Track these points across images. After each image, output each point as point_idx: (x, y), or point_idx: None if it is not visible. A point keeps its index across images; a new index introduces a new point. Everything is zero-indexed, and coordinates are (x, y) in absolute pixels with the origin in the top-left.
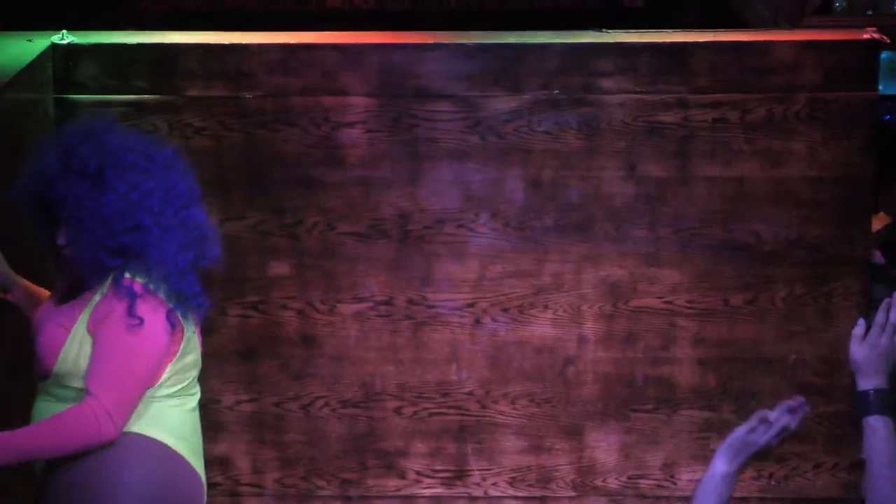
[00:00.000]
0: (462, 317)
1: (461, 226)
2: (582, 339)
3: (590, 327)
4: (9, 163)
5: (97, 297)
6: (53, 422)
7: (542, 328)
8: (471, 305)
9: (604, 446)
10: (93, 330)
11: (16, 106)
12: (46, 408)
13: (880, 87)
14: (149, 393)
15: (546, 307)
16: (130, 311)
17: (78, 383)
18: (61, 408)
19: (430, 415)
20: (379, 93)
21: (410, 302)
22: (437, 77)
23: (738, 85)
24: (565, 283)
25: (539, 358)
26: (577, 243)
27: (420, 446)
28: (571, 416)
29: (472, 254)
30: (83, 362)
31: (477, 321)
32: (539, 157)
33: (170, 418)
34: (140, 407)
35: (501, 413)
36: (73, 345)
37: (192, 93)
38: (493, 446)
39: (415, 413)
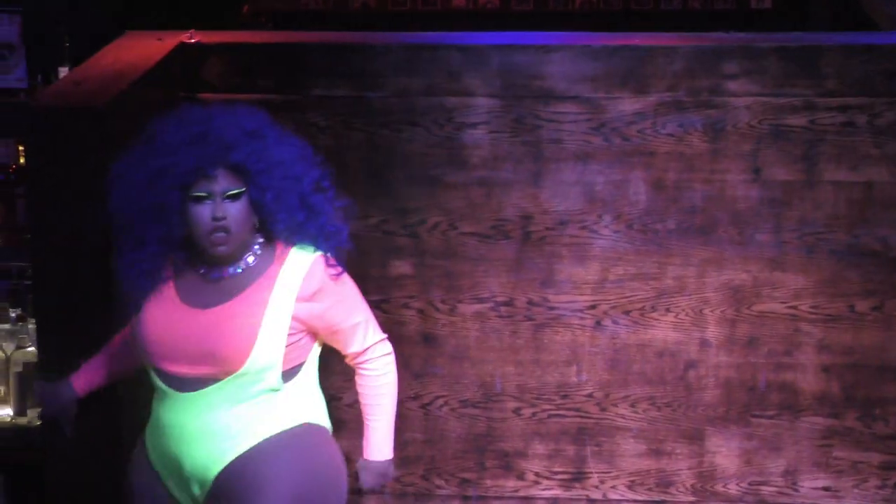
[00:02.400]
0: (583, 318)
1: (584, 227)
2: (704, 343)
3: (712, 331)
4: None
5: (283, 275)
6: (388, 387)
7: (663, 331)
8: (592, 307)
9: (724, 451)
10: (308, 308)
11: (144, 103)
12: (211, 417)
13: None
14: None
15: (668, 310)
16: (333, 265)
17: (272, 377)
18: (237, 411)
19: (550, 416)
20: (502, 93)
21: (531, 303)
22: (561, 78)
23: (868, 88)
24: (687, 287)
25: (660, 361)
26: (699, 246)
27: (539, 448)
28: (692, 421)
29: (595, 256)
30: (279, 354)
31: (598, 323)
32: (663, 160)
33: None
34: (314, 393)
35: (621, 416)
36: (268, 335)
37: (317, 92)
38: (613, 449)
39: (534, 414)
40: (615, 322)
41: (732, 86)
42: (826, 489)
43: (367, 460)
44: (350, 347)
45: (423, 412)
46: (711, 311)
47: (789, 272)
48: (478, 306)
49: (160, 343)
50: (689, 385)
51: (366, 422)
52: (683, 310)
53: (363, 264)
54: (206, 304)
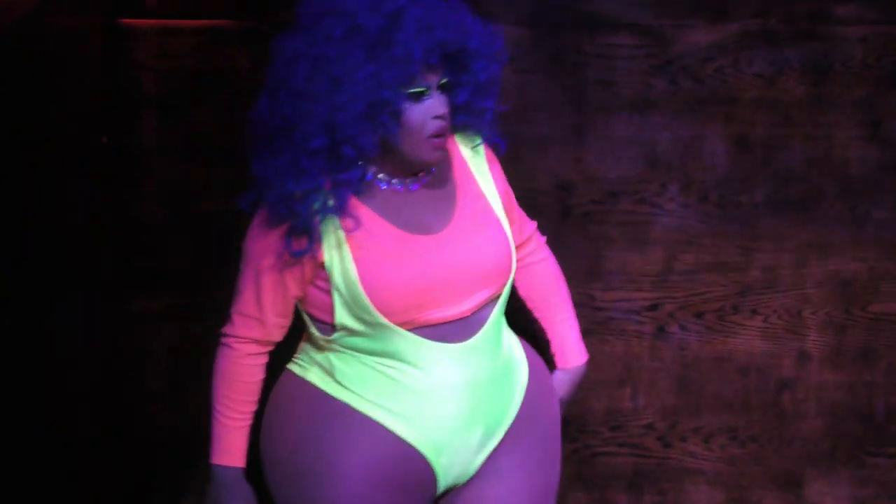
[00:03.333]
0: (640, 323)
1: (642, 200)
2: (803, 356)
3: (814, 340)
4: (45, 105)
5: (472, 165)
6: (560, 272)
7: (748, 340)
8: (653, 308)
9: (830, 501)
10: (503, 193)
11: (50, 36)
12: (495, 353)
13: None
14: None
15: (755, 312)
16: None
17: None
18: (505, 334)
19: (595, 455)
20: (532, 21)
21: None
22: (614, 1)
23: None
24: (781, 281)
25: (744, 380)
26: (798, 226)
27: (581, 497)
28: (787, 460)
29: (657, 238)
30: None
31: (660, 329)
32: (749, 110)
33: None
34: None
35: (691, 454)
36: (507, 230)
37: (285, 17)
38: (681, 499)
39: (574, 452)
40: (684, 328)
41: (841, 10)
42: None
43: (566, 369)
44: (522, 233)
45: None
46: (813, 314)
47: None
48: None
49: (413, 292)
50: (783, 412)
51: (552, 325)
52: (776, 311)
53: None
54: (431, 223)
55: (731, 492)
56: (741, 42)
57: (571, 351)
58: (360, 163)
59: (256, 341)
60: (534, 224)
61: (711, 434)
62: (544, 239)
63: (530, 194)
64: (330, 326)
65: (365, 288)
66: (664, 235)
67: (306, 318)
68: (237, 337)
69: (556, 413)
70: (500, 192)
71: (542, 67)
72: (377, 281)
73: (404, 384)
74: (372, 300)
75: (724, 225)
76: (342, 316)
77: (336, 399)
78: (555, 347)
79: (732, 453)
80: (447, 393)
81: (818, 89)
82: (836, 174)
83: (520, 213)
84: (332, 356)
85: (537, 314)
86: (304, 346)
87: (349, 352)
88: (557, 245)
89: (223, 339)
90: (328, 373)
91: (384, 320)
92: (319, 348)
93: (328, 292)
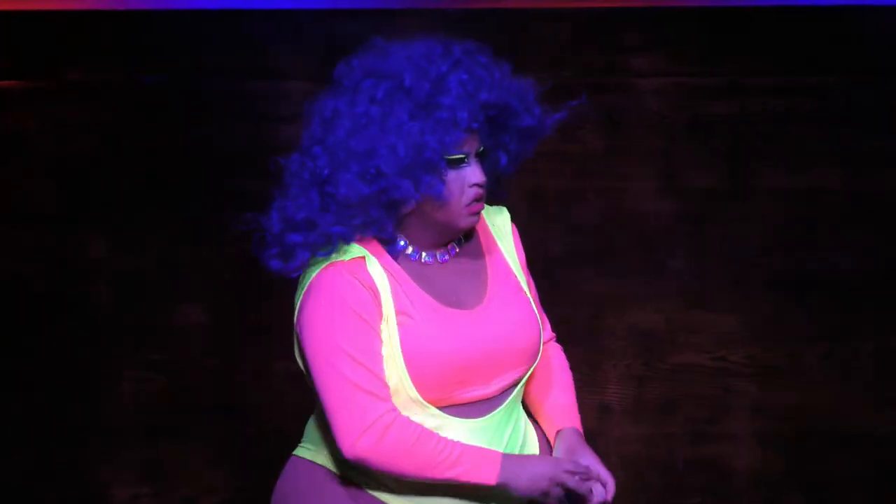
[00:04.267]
0: None
1: None
2: (602, 409)
3: (613, 392)
4: None
5: (497, 237)
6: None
7: None
8: None
9: None
10: (523, 267)
11: None
12: (507, 435)
13: None
14: None
15: None
16: None
17: None
18: (520, 416)
19: None
20: (324, 76)
21: None
22: None
23: (813, 62)
24: (579, 332)
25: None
26: (594, 278)
27: None
28: None
29: None
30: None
31: None
32: (544, 162)
33: None
34: None
35: None
36: (534, 309)
37: (73, 76)
38: None
39: None
40: None
41: (636, 62)
42: None
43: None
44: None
45: None
46: (614, 367)
47: (713, 311)
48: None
49: (452, 371)
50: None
51: (547, 401)
52: (575, 365)
53: (138, 310)
54: (465, 298)
55: None
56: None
57: (566, 415)
58: (390, 229)
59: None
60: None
61: None
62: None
63: None
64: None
65: (406, 361)
66: None
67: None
68: (386, 412)
69: None
70: (522, 267)
71: None
72: (419, 356)
73: None
74: (411, 374)
75: None
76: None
77: (353, 484)
78: (546, 419)
79: None
80: None
81: (613, 141)
82: (631, 227)
83: (535, 292)
84: None
85: (533, 391)
86: (310, 428)
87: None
88: None
89: (377, 427)
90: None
91: (418, 396)
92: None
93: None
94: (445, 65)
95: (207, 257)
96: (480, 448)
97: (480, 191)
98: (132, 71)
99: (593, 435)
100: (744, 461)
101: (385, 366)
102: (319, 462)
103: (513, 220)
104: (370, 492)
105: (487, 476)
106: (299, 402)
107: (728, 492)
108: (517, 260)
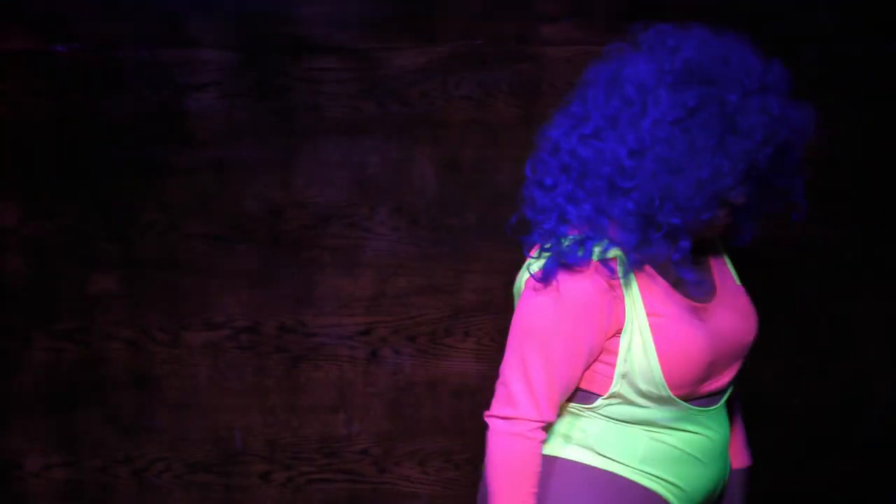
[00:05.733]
0: (353, 348)
1: (352, 224)
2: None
3: None
4: None
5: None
6: None
7: (462, 362)
8: (365, 333)
9: None
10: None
11: None
12: (728, 420)
13: None
14: None
15: (468, 334)
16: None
17: None
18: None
19: (310, 482)
20: (239, 44)
21: (283, 329)
22: (319, 23)
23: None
24: (494, 302)
25: (457, 404)
26: (510, 248)
27: None
28: None
29: (368, 263)
30: None
31: (373, 354)
32: (458, 132)
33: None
34: None
35: (407, 479)
36: None
37: None
38: None
39: (289, 480)
40: (397, 352)
41: (547, 31)
42: None
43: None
44: None
45: (137, 481)
46: None
47: None
48: (210, 334)
49: (702, 366)
50: None
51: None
52: (489, 333)
53: (51, 278)
54: (700, 291)
55: None
56: (449, 64)
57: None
58: (678, 237)
59: (544, 427)
60: None
61: (427, 458)
62: None
63: (238, 220)
64: (594, 395)
65: (661, 359)
66: (375, 259)
67: None
68: (528, 421)
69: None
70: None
71: (249, 91)
72: (674, 356)
73: (680, 450)
74: (665, 372)
75: (435, 248)
76: (619, 386)
77: (606, 471)
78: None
79: (448, 476)
80: (712, 454)
81: (526, 110)
82: None
83: None
84: (587, 425)
85: None
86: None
87: (611, 420)
88: (267, 271)
89: (509, 429)
90: (585, 445)
91: (669, 394)
92: (571, 418)
93: (611, 362)
94: (777, 109)
95: (120, 226)
96: None
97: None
98: (45, 39)
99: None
100: None
101: (633, 368)
102: (565, 456)
103: (429, 189)
104: (628, 477)
105: None
106: (211, 373)
107: None
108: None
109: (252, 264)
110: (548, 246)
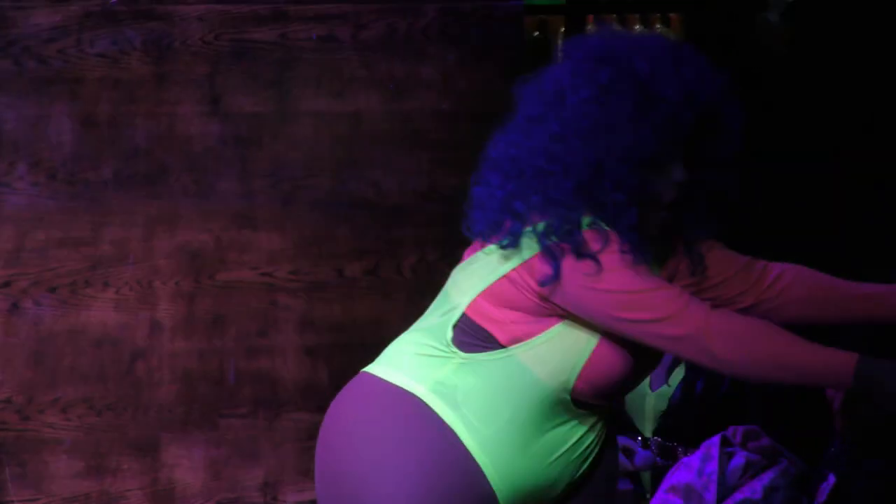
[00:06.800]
0: None
1: None
2: (155, 326)
3: (165, 310)
4: None
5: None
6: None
7: (102, 313)
8: (6, 285)
9: (186, 464)
10: None
11: None
12: None
13: None
14: None
15: (107, 285)
16: None
17: None
18: None
19: None
20: None
21: None
22: None
23: None
24: (132, 253)
25: (99, 352)
26: (145, 200)
27: None
28: (143, 427)
29: (7, 217)
30: None
31: (14, 306)
32: (94, 88)
33: None
34: None
35: (50, 426)
36: None
37: None
38: (41, 470)
39: None
40: (37, 303)
41: None
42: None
43: None
44: None
45: None
46: (163, 284)
47: (261, 230)
48: None
49: (622, 381)
50: (138, 381)
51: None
52: (127, 283)
53: None
54: None
55: (91, 459)
56: (83, 23)
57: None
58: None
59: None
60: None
61: (69, 405)
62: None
63: None
64: (495, 345)
65: (585, 368)
66: (15, 213)
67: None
68: (700, 300)
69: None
70: None
71: None
72: (600, 374)
73: (537, 442)
74: (579, 378)
75: (73, 202)
76: (530, 348)
77: (451, 430)
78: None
79: (90, 422)
80: (570, 452)
81: (160, 67)
82: (180, 150)
83: None
84: (460, 379)
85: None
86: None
87: (487, 382)
88: None
89: (709, 310)
90: (449, 399)
91: (568, 395)
92: (452, 367)
93: (544, 323)
94: (713, 95)
95: None
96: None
97: (679, 191)
98: None
99: (144, 352)
100: (292, 372)
101: (558, 347)
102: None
103: (66, 145)
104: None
105: (844, 364)
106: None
107: (278, 401)
108: None
109: None
110: (529, 239)
